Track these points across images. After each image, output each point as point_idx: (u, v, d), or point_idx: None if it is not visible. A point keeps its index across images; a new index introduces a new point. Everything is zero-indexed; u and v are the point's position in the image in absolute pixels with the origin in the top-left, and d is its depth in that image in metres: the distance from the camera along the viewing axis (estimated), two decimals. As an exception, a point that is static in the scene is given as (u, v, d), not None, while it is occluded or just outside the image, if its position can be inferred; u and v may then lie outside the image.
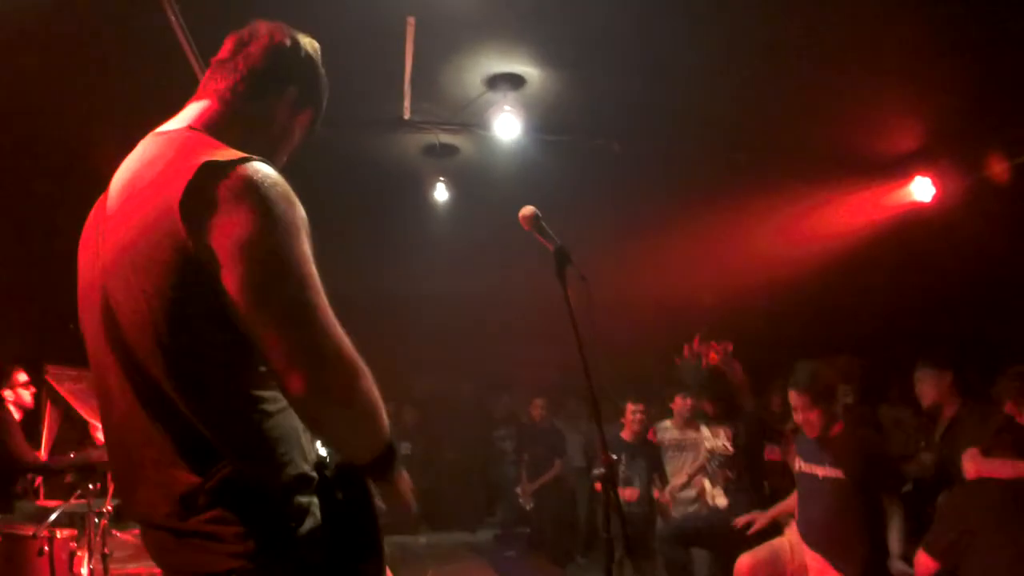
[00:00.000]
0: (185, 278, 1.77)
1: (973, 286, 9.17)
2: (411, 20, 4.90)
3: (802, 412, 5.23)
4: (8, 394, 6.34)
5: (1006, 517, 4.09)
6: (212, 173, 1.78)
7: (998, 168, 7.53)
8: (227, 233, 1.74)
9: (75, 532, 5.38)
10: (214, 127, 2.03)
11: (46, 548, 5.00)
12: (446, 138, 6.65)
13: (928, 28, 5.33)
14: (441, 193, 7.43)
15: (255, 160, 1.84)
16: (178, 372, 1.82)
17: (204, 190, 1.76)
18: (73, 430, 6.97)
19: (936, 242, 8.45)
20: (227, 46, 2.18)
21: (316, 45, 2.28)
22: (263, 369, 1.82)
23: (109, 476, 5.49)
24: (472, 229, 7.64)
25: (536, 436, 10.14)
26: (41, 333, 8.05)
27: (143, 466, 1.89)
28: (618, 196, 7.89)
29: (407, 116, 6.08)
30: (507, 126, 5.98)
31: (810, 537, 5.21)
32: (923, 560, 4.18)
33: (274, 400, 1.85)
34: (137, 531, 5.64)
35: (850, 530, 5.00)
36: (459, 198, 7.52)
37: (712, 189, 7.72)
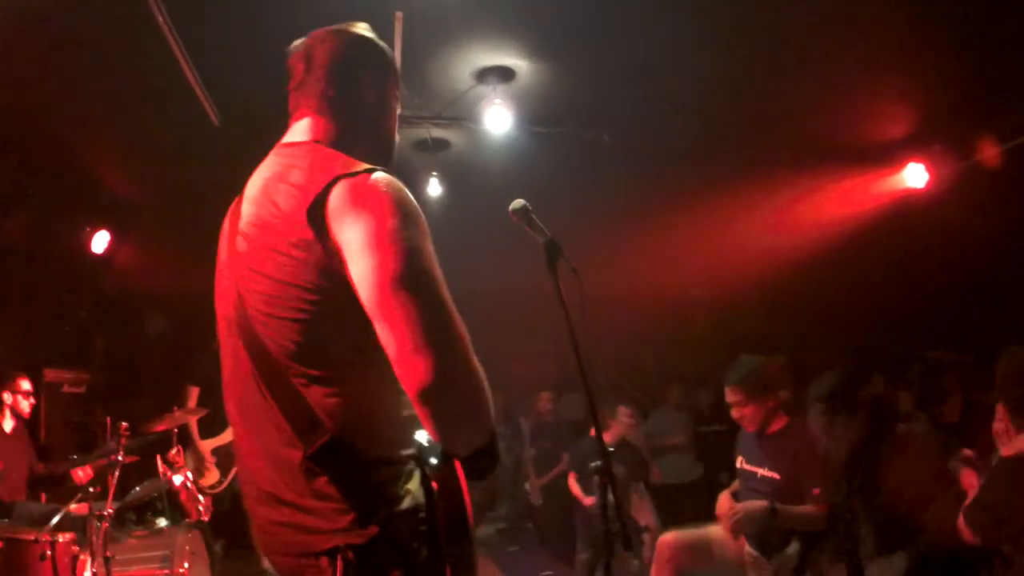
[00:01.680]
0: (317, 275, 1.96)
1: (967, 272, 9.20)
2: (399, 15, 4.90)
3: (736, 408, 5.28)
4: (7, 397, 6.32)
5: None
6: (342, 183, 1.99)
7: (990, 152, 7.53)
8: (356, 230, 1.93)
9: (76, 536, 5.38)
10: (327, 135, 2.27)
11: (48, 552, 5.00)
12: (437, 132, 6.66)
13: (919, 14, 5.33)
14: (434, 188, 7.43)
15: (380, 170, 2.04)
16: (300, 358, 2.00)
17: (337, 200, 1.97)
18: (72, 435, 6.99)
19: (930, 228, 8.47)
20: (297, 67, 2.36)
21: (365, 25, 2.45)
22: (377, 358, 1.92)
23: (110, 477, 5.51)
24: (466, 223, 7.64)
25: (543, 430, 10.13)
26: (38, 338, 8.07)
27: (261, 439, 2.09)
28: (610, 187, 7.91)
29: (398, 111, 6.06)
30: (498, 119, 5.99)
31: (750, 534, 5.23)
32: (961, 530, 3.98)
33: (387, 388, 2.00)
34: (138, 533, 5.70)
35: (786, 530, 5.03)
36: (452, 193, 7.53)
37: (704, 180, 7.74)
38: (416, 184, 7.40)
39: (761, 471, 5.21)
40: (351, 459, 1.99)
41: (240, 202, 2.26)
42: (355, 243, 1.93)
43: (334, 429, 1.98)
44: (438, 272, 1.96)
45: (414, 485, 2.06)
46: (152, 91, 5.68)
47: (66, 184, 7.05)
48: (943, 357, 5.43)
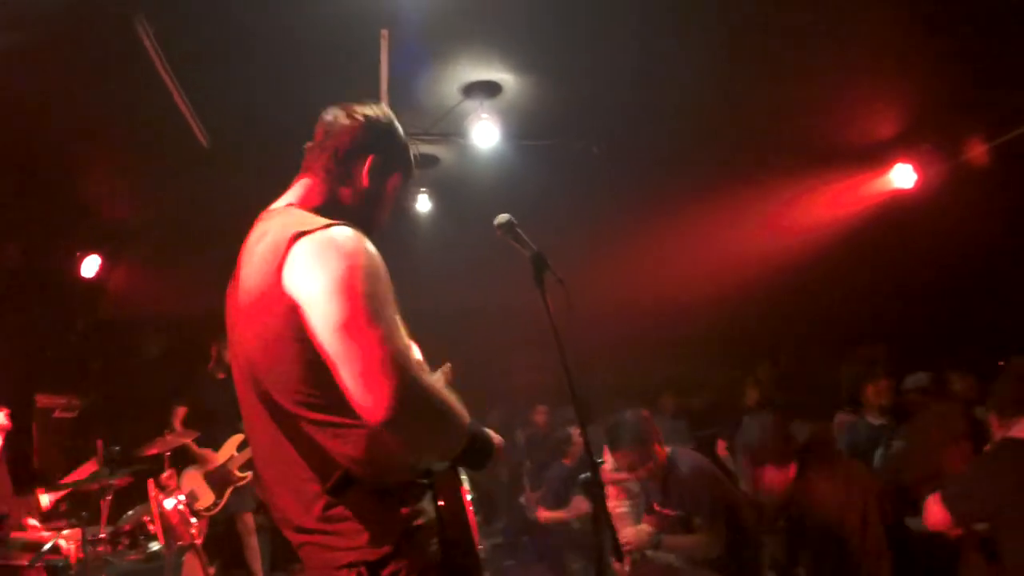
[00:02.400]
0: (293, 329, 2.14)
1: (957, 271, 9.21)
2: (384, 33, 4.92)
3: (634, 471, 5.23)
4: None
5: None
6: (302, 241, 2.16)
7: (977, 151, 7.56)
8: (310, 283, 2.11)
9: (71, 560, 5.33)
10: (311, 201, 2.46)
11: (43, 578, 4.97)
12: (426, 148, 6.66)
13: (905, 16, 5.37)
14: (423, 204, 7.42)
15: (337, 224, 2.22)
16: (305, 405, 2.19)
17: (295, 255, 2.15)
18: (63, 460, 6.95)
19: (919, 228, 8.49)
20: (319, 132, 2.54)
21: (390, 114, 2.61)
22: None
23: (102, 503, 5.49)
24: (456, 238, 7.64)
25: (539, 443, 10.06)
26: (30, 364, 8.04)
27: (284, 480, 2.28)
28: (600, 197, 7.91)
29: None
30: (485, 134, 5.99)
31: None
32: (935, 509, 3.94)
33: None
34: (131, 557, 5.67)
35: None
36: (442, 208, 7.52)
37: (693, 186, 7.76)
38: (406, 200, 7.39)
39: (670, 511, 5.23)
40: (365, 489, 2.18)
41: (239, 264, 2.40)
42: (312, 295, 2.11)
43: (346, 464, 2.18)
44: (389, 313, 2.11)
45: (427, 504, 2.26)
46: (141, 114, 5.68)
47: (56, 209, 7.04)
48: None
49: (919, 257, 9.14)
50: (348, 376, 2.01)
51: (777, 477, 4.59)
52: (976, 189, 7.88)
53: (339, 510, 2.18)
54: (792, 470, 4.58)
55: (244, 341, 2.31)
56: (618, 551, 2.69)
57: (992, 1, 5.32)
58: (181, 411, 7.40)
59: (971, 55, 6.00)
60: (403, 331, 2.12)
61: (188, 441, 7.08)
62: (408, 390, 1.99)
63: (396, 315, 2.13)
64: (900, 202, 8.25)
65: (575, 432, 8.00)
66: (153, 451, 6.25)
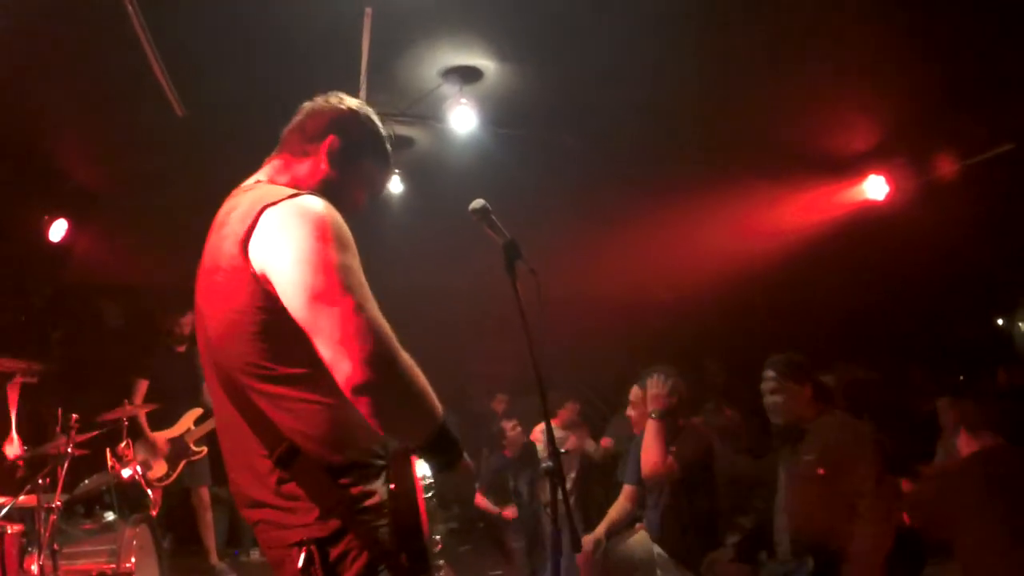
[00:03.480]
0: (255, 300, 2.17)
1: (924, 284, 9.32)
2: (368, 11, 4.89)
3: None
4: None
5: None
6: (268, 211, 2.20)
7: (950, 170, 7.64)
8: (280, 253, 2.13)
9: (24, 528, 5.28)
10: (280, 178, 2.49)
11: (-6, 543, 4.90)
12: (402, 130, 6.63)
13: (889, 30, 5.42)
14: (396, 186, 7.40)
15: (303, 194, 2.28)
16: (254, 376, 2.21)
17: (262, 226, 2.18)
18: (23, 425, 6.86)
19: (888, 240, 8.58)
20: (298, 115, 2.60)
21: (368, 108, 2.64)
22: (327, 370, 2.08)
23: (59, 470, 5.43)
24: (428, 222, 7.61)
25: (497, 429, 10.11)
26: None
27: (238, 452, 2.31)
28: (574, 190, 7.91)
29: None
30: (463, 119, 5.97)
31: None
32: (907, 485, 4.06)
33: (337, 393, 2.09)
34: (86, 526, 5.63)
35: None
36: (414, 191, 7.50)
37: (666, 184, 7.78)
38: (381, 192, 7.34)
39: None
40: (314, 463, 2.19)
41: (208, 239, 2.42)
42: (279, 265, 2.14)
43: (295, 438, 2.19)
44: (360, 281, 2.14)
45: (379, 484, 2.26)
46: (117, 80, 5.61)
47: (25, 172, 6.95)
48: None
49: (885, 268, 9.25)
50: (324, 344, 2.05)
51: None
52: (945, 206, 7.97)
53: (291, 487, 2.19)
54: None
55: (207, 312, 2.33)
56: (576, 542, 2.68)
57: (974, 25, 5.38)
58: (143, 384, 7.35)
59: (951, 77, 6.10)
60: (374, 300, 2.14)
61: (143, 414, 7.07)
62: (382, 357, 2.04)
63: (366, 283, 2.14)
64: (870, 213, 8.31)
65: (508, 425, 8.42)
66: (112, 417, 6.20)
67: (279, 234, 2.16)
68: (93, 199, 7.88)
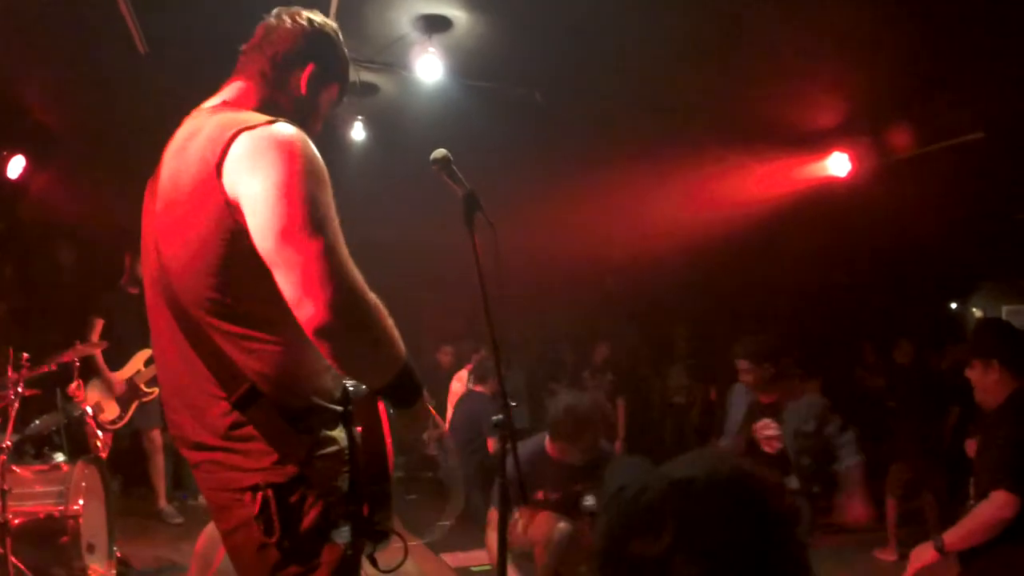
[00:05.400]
0: (222, 229, 2.08)
1: (881, 263, 9.46)
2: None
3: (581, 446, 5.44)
4: None
5: None
6: (243, 136, 2.10)
7: (913, 153, 7.71)
8: (254, 182, 2.04)
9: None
10: (246, 103, 2.38)
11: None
12: (367, 76, 6.55)
13: (863, 10, 5.42)
14: (358, 132, 7.34)
15: (280, 121, 2.17)
16: (215, 312, 2.15)
17: (236, 151, 2.08)
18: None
19: (847, 216, 8.68)
20: (258, 33, 2.48)
21: (334, 26, 2.56)
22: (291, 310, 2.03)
23: (10, 410, 5.37)
24: (389, 170, 7.57)
25: (441, 383, 10.20)
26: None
27: (186, 394, 2.24)
28: (538, 147, 7.89)
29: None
30: (430, 68, 5.90)
31: None
32: (1004, 500, 4.02)
33: (306, 339, 2.04)
34: (36, 468, 5.57)
35: None
36: (377, 138, 7.46)
37: (632, 147, 7.80)
38: (340, 127, 7.30)
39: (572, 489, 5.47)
40: (273, 407, 2.14)
41: (160, 164, 2.33)
42: (252, 195, 2.05)
43: (255, 379, 2.14)
44: (332, 219, 2.07)
45: (339, 430, 2.25)
46: (80, 17, 5.49)
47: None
48: None
49: (843, 243, 9.36)
50: (287, 282, 1.99)
51: None
52: (906, 187, 8.06)
53: (247, 429, 2.14)
54: None
55: (164, 240, 2.24)
56: (524, 494, 2.69)
57: (948, 9, 5.39)
58: (99, 323, 7.27)
59: (921, 62, 6.16)
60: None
61: (99, 352, 7.00)
62: (347, 299, 1.99)
63: (337, 221, 2.09)
64: (832, 189, 8.38)
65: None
66: (64, 359, 6.14)
67: (254, 162, 2.07)
68: (52, 138, 7.77)
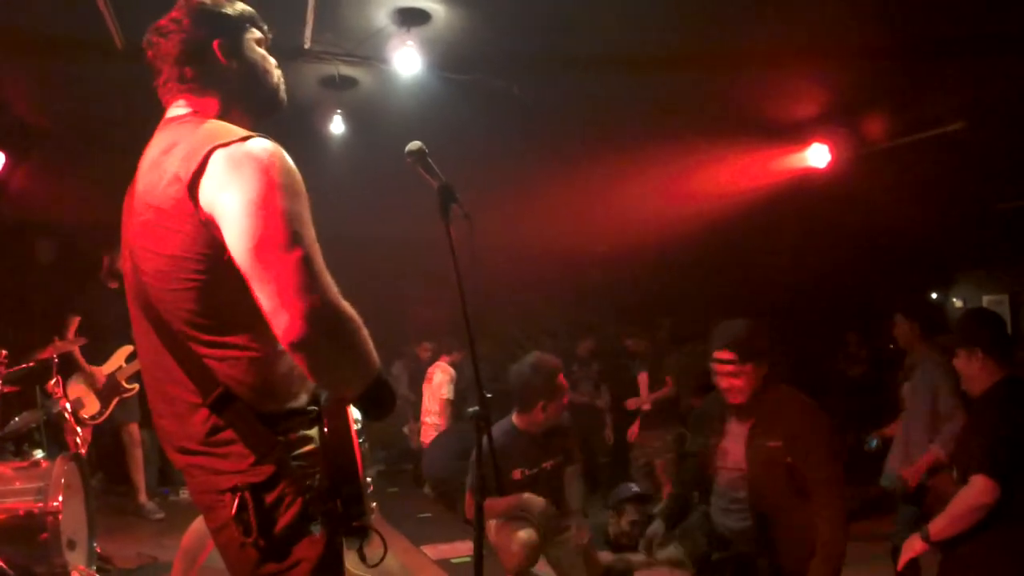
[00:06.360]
0: (198, 247, 2.12)
1: (860, 253, 9.51)
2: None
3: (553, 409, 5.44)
4: None
5: None
6: (217, 154, 2.11)
7: (892, 144, 7.76)
8: (228, 198, 2.06)
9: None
10: (205, 109, 2.36)
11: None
12: (346, 70, 6.53)
13: (839, 5, 5.48)
14: (337, 126, 7.32)
15: (255, 136, 2.17)
16: (193, 325, 2.18)
17: (212, 169, 2.10)
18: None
19: (825, 207, 8.73)
20: (155, 64, 2.44)
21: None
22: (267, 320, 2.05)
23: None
24: (368, 163, 7.54)
25: (422, 376, 10.23)
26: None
27: (168, 400, 2.28)
28: (517, 140, 7.88)
29: (308, 46, 5.96)
30: (408, 61, 5.88)
31: None
32: (983, 485, 3.88)
33: (276, 345, 2.12)
34: (15, 464, 5.55)
35: None
36: (356, 132, 7.43)
37: (610, 138, 7.81)
38: (319, 121, 7.29)
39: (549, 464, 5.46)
40: (248, 410, 2.18)
41: (136, 175, 2.33)
42: (228, 211, 2.07)
43: (231, 384, 2.18)
44: (309, 232, 2.10)
45: (314, 432, 2.30)
46: (59, 10, 5.45)
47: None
48: None
49: (821, 234, 9.41)
50: (263, 294, 2.02)
51: None
52: (886, 178, 8.09)
53: (226, 434, 2.19)
54: None
55: (140, 255, 2.26)
56: (501, 486, 2.70)
57: (927, 2, 5.44)
58: (75, 320, 7.25)
59: (902, 55, 6.21)
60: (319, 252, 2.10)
61: (76, 348, 6.98)
62: (323, 311, 2.01)
63: (313, 233, 2.10)
64: (811, 180, 8.42)
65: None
66: (43, 356, 6.12)
67: (230, 178, 2.08)
68: (31, 134, 7.73)
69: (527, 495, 5.19)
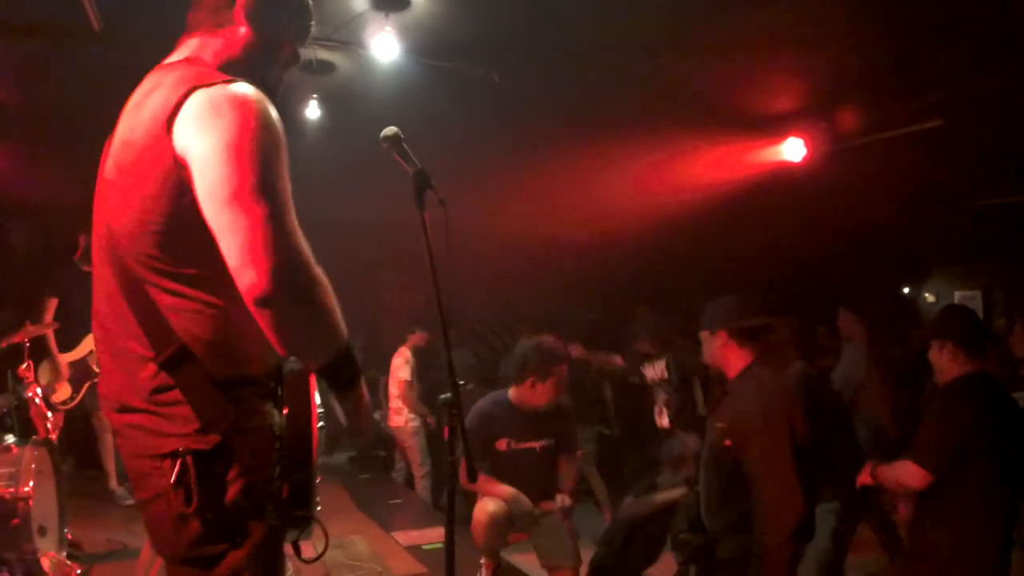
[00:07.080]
0: (169, 187, 2.01)
1: (827, 245, 9.56)
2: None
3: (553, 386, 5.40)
4: None
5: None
6: (197, 94, 2.02)
7: (867, 140, 7.80)
8: (205, 142, 1.97)
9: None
10: (207, 57, 2.27)
11: None
12: (323, 55, 6.48)
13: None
14: (313, 111, 7.29)
15: (238, 81, 2.08)
16: (155, 270, 2.07)
17: (189, 109, 2.01)
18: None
19: (801, 200, 8.77)
20: None
21: None
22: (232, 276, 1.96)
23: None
24: (344, 149, 7.50)
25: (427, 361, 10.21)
26: None
27: (119, 355, 2.15)
28: (496, 127, 7.87)
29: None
30: (386, 47, 5.85)
31: None
32: (914, 471, 4.03)
33: (239, 302, 1.97)
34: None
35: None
36: (332, 117, 7.42)
37: (588, 128, 7.82)
38: (295, 105, 7.26)
39: (538, 444, 5.46)
40: (202, 372, 2.08)
41: (118, 122, 2.26)
42: (202, 155, 1.98)
43: (188, 341, 2.07)
44: (284, 186, 2.01)
45: (269, 408, 2.20)
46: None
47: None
48: None
49: (796, 227, 9.45)
50: (229, 247, 1.93)
51: None
52: (861, 173, 8.13)
53: (173, 393, 2.07)
54: None
55: (110, 198, 2.18)
56: (472, 473, 2.70)
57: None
58: (52, 303, 7.17)
59: (880, 51, 6.25)
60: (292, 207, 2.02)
61: (51, 332, 6.92)
62: (290, 269, 1.94)
63: (288, 188, 2.02)
64: (786, 173, 8.46)
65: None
66: (15, 340, 6.06)
67: (207, 120, 1.99)
68: (6, 117, 7.65)
69: (521, 495, 5.22)
